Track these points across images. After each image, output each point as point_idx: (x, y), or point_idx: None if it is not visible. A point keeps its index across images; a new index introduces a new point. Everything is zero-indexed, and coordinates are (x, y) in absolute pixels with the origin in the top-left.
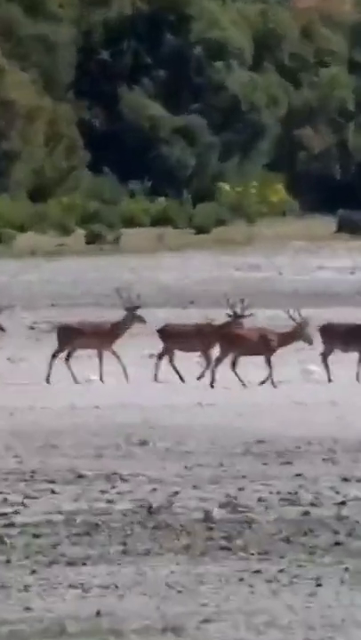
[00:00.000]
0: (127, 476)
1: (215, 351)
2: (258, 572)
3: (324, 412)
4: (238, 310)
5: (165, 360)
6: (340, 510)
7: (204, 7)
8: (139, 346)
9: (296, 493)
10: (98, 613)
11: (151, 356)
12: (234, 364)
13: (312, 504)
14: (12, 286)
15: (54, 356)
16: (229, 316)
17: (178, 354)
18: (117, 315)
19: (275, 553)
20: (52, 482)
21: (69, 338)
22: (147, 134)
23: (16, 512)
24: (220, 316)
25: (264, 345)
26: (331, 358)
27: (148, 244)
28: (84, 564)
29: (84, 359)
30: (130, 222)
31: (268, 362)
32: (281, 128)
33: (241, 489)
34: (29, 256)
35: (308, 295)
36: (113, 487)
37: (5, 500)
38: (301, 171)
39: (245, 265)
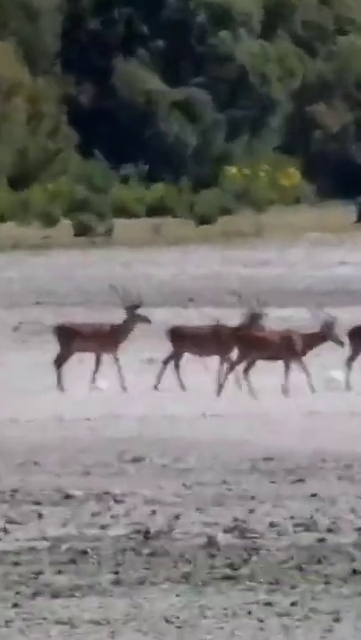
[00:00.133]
0: (121, 496)
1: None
2: (268, 604)
3: (342, 424)
4: (255, 309)
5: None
6: (360, 536)
7: None
8: (135, 350)
9: (311, 517)
10: None
11: (149, 360)
12: (247, 370)
13: (329, 529)
14: None
15: (59, 363)
16: (246, 316)
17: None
18: (110, 315)
19: (286, 583)
20: (37, 503)
21: (71, 339)
22: (142, 110)
23: None
24: (223, 317)
25: (287, 348)
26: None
27: (143, 236)
28: (72, 596)
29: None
30: (123, 212)
31: (288, 367)
32: (294, 104)
33: (251, 511)
34: (11, 250)
35: (324, 293)
36: (107, 509)
37: None
38: (317, 152)
39: (254, 260)
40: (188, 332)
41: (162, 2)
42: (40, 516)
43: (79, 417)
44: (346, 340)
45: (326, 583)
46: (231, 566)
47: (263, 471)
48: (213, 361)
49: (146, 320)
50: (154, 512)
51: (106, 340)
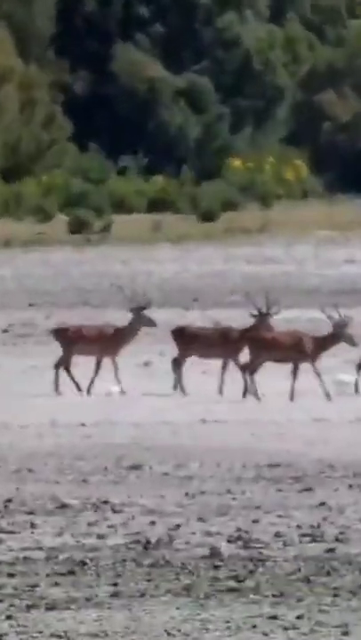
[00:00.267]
0: (119, 505)
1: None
2: (273, 617)
3: (351, 430)
4: (264, 309)
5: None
6: None
7: None
8: (131, 352)
9: (319, 527)
10: None
11: (147, 363)
12: (253, 372)
13: (337, 539)
14: None
15: (66, 369)
16: (254, 316)
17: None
18: (108, 316)
19: (292, 595)
20: (31, 512)
21: (73, 342)
22: (143, 99)
23: None
24: (226, 318)
25: (298, 350)
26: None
27: (142, 232)
28: (68, 609)
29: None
30: (121, 206)
31: (296, 370)
32: (301, 93)
33: (255, 521)
34: (3, 247)
35: (333, 293)
36: (104, 519)
37: None
38: (325, 144)
39: (259, 257)
40: (195, 332)
41: None
42: (34, 525)
43: (74, 422)
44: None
45: (334, 595)
46: (235, 578)
47: (269, 479)
48: (214, 362)
49: (151, 323)
50: (154, 522)
51: (109, 342)
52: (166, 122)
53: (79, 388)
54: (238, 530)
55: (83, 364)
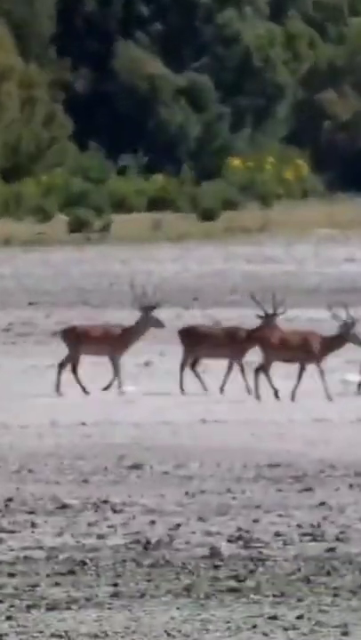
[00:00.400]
0: (120, 505)
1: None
2: (273, 617)
3: (352, 430)
4: (271, 309)
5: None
6: None
7: None
8: (133, 352)
9: (319, 526)
10: None
11: (147, 363)
12: (258, 372)
13: (338, 539)
14: None
15: (73, 369)
16: (260, 317)
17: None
18: (108, 316)
19: (292, 595)
20: (31, 512)
21: (80, 342)
22: (143, 97)
23: None
24: (227, 318)
25: (305, 351)
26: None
27: (142, 232)
28: (69, 609)
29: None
30: (121, 206)
31: (302, 370)
32: (301, 91)
33: (256, 521)
34: (3, 246)
35: (333, 292)
36: (104, 519)
37: None
38: (326, 143)
39: (259, 256)
40: (203, 332)
41: None
42: (34, 525)
43: (75, 422)
44: None
45: (334, 595)
46: (235, 578)
47: (270, 479)
48: (214, 362)
49: (159, 324)
50: (154, 522)
51: (116, 342)
52: (166, 120)
53: (85, 391)
54: (238, 529)
55: (82, 365)
